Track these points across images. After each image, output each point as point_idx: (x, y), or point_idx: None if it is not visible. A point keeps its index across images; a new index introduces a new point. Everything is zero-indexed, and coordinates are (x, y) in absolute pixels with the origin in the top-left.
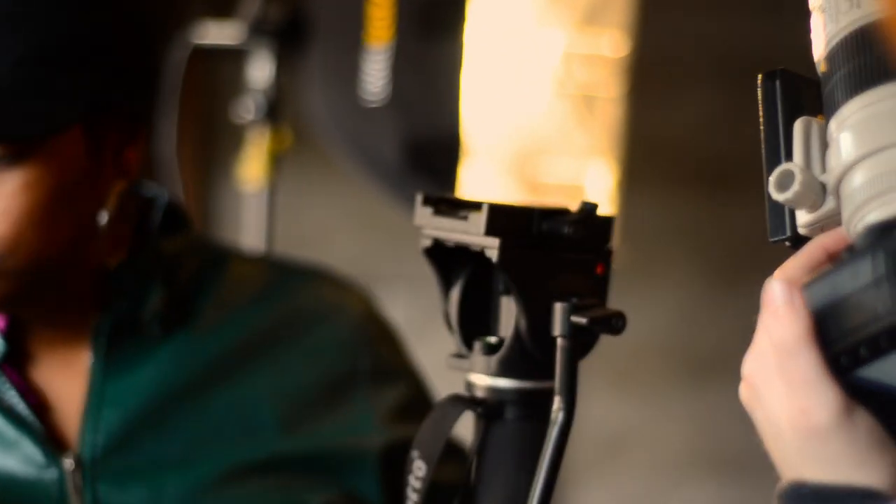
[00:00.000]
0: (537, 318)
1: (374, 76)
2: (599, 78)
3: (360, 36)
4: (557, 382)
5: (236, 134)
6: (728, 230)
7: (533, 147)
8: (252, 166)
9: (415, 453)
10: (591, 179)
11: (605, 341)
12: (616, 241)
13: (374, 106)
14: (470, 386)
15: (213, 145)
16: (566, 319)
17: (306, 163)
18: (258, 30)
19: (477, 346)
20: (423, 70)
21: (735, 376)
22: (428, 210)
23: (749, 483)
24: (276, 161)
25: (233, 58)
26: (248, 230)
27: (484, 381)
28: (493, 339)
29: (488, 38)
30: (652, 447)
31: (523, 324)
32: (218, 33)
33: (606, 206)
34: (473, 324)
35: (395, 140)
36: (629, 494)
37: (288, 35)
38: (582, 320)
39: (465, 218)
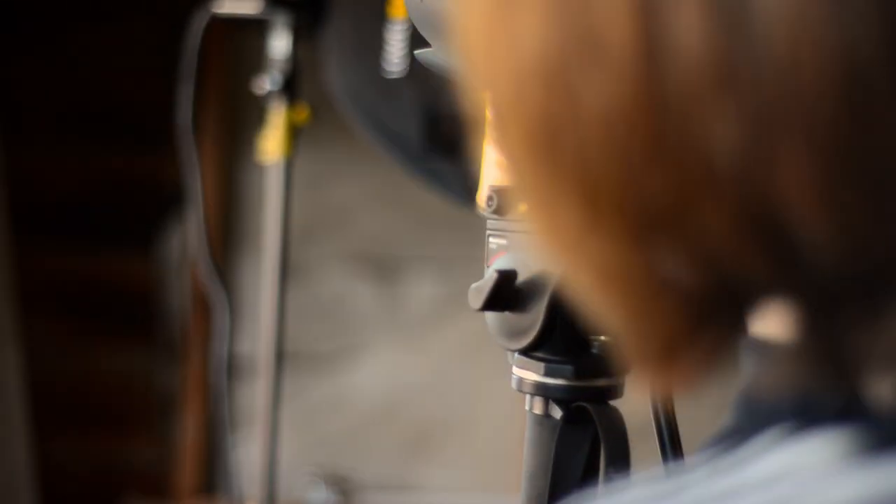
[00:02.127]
0: None
1: (396, 48)
2: None
3: (383, 6)
4: None
5: (259, 106)
6: None
7: None
8: (271, 139)
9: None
10: None
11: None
12: None
13: (394, 78)
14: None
15: (238, 116)
16: None
17: (330, 137)
18: (276, 1)
19: (597, 345)
20: None
21: None
22: None
23: None
24: (295, 135)
25: (257, 29)
26: (270, 203)
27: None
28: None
29: None
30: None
31: None
32: (238, 4)
33: None
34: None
35: (416, 114)
36: None
37: (307, 6)
38: None
39: None
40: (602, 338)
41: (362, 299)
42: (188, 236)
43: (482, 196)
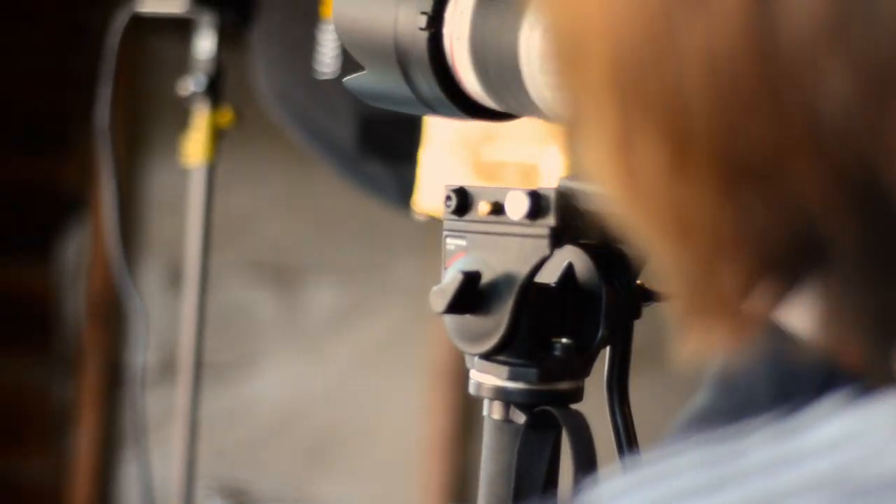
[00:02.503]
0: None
1: (328, 48)
2: None
3: (314, 6)
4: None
5: (181, 108)
6: None
7: (487, 126)
8: (193, 143)
9: None
10: (544, 160)
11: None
12: None
13: (326, 79)
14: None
15: (155, 118)
16: None
17: (227, 142)
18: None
19: (559, 347)
20: None
21: None
22: None
23: None
24: (218, 138)
25: (180, 29)
26: (192, 208)
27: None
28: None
29: None
30: None
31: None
32: (161, 3)
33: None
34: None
35: (350, 116)
36: None
37: (233, 5)
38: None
39: None
40: (563, 340)
41: (262, 308)
42: (85, 243)
43: (428, 198)
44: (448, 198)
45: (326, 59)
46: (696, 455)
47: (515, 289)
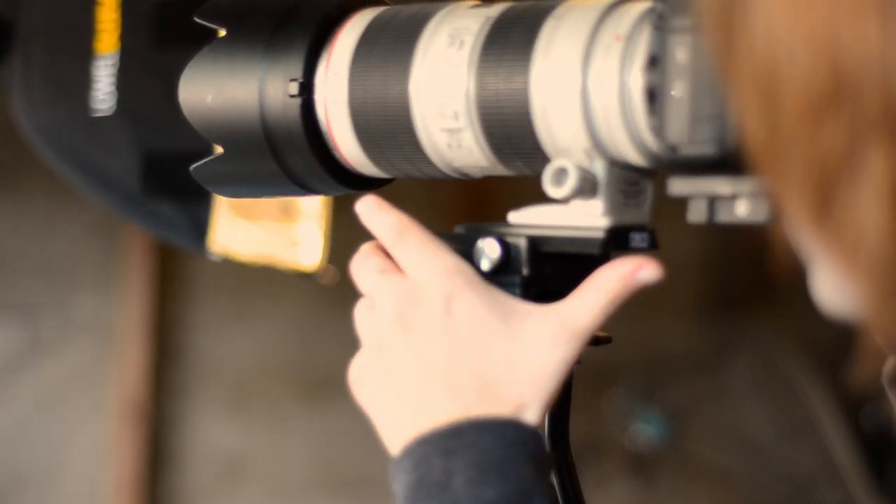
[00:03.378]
0: None
1: (103, 84)
2: None
3: (85, 40)
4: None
5: None
6: (345, 246)
7: None
8: None
9: None
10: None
11: (217, 363)
12: None
13: (102, 117)
14: None
15: None
16: None
17: None
18: None
19: None
20: (164, 77)
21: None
22: None
23: (373, 502)
24: None
25: None
26: None
27: None
28: None
29: None
30: (272, 471)
31: None
32: None
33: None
34: None
35: (130, 154)
36: None
37: None
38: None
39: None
40: None
41: None
42: None
43: (224, 237)
44: None
45: (101, 95)
46: None
47: None
